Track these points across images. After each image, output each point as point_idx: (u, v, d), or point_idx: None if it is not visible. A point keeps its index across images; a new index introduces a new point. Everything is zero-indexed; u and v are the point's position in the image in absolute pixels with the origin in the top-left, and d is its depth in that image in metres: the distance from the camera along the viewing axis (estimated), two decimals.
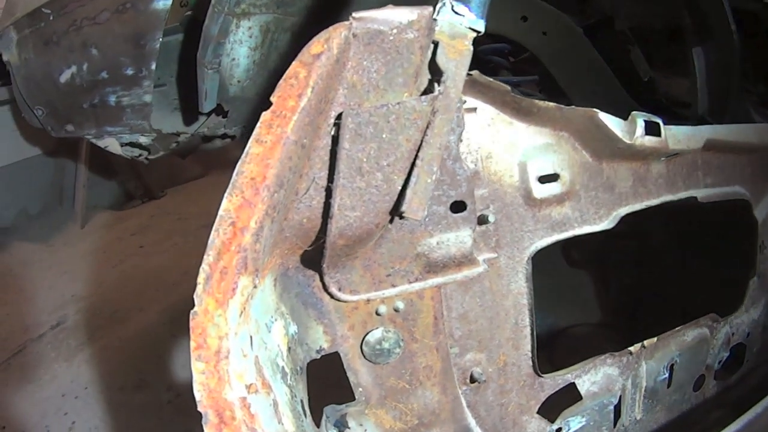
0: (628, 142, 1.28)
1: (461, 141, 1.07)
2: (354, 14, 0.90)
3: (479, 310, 1.29)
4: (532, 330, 1.35)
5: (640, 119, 1.29)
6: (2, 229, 4.28)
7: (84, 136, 2.21)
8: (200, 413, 0.75)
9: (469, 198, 1.07)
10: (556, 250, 2.65)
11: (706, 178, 1.55)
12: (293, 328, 1.08)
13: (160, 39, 1.93)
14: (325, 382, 1.24)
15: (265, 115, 0.84)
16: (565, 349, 2.53)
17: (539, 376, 1.39)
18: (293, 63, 0.87)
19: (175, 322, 3.19)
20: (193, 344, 0.77)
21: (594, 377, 1.48)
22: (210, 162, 5.10)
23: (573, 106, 1.24)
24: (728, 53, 1.93)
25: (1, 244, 4.19)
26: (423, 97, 0.93)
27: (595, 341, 2.55)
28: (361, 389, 1.22)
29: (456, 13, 0.94)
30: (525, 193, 1.27)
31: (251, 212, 0.81)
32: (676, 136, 1.38)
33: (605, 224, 1.38)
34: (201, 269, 0.79)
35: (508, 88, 1.15)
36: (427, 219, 1.06)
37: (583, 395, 1.47)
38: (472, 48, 0.94)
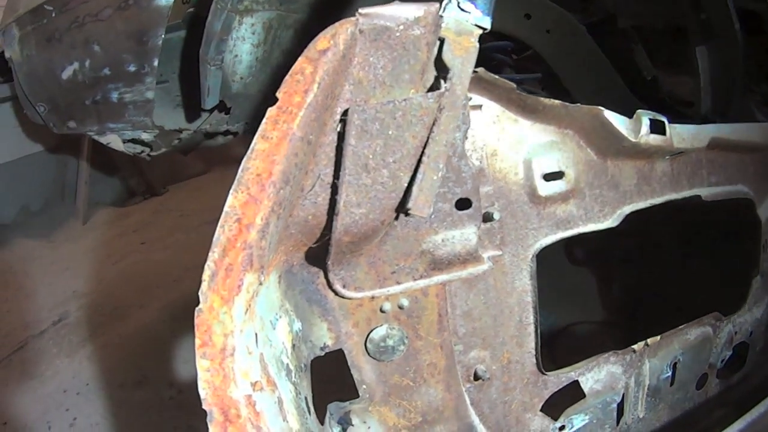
0: (633, 140, 1.27)
1: (467, 138, 1.06)
2: (360, 10, 0.89)
3: (483, 308, 1.29)
4: (535, 328, 1.35)
5: (645, 117, 1.28)
6: (4, 225, 4.29)
7: (86, 132, 2.20)
8: (205, 411, 0.75)
9: (475, 195, 1.07)
10: (559, 248, 2.65)
11: (711, 176, 1.55)
12: (297, 325, 1.08)
13: (163, 36, 1.92)
14: (329, 379, 1.24)
15: (271, 111, 0.84)
16: (568, 347, 2.53)
17: (543, 373, 1.39)
18: (299, 59, 0.86)
19: (176, 319, 3.19)
20: (198, 341, 0.76)
21: (597, 375, 1.48)
22: (212, 159, 5.11)
23: (578, 104, 1.23)
24: (732, 52, 1.92)
25: (3, 241, 4.20)
26: (429, 93, 0.92)
27: (598, 339, 2.55)
28: (365, 386, 1.21)
29: (462, 9, 0.93)
30: (530, 190, 1.27)
31: (257, 209, 0.80)
32: (681, 134, 1.37)
33: (610, 222, 1.38)
34: (206, 266, 0.78)
35: (514, 85, 1.14)
36: (432, 216, 1.05)
37: (586, 393, 1.47)
38: (478, 45, 0.93)
